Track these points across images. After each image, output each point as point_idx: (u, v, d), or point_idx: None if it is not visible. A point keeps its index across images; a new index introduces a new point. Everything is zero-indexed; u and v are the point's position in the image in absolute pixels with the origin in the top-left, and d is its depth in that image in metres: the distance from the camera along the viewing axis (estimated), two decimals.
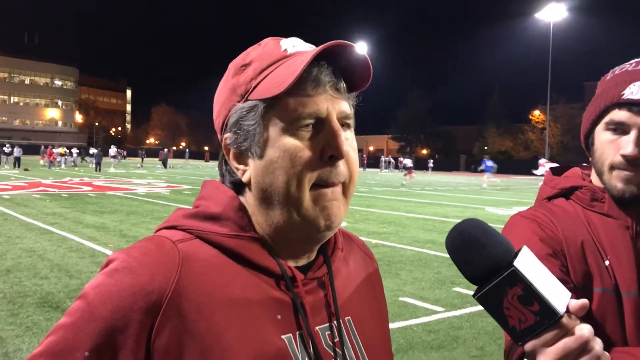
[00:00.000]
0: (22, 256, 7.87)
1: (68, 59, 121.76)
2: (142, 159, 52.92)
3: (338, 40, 0.80)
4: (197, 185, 24.06)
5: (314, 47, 0.84)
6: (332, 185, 0.81)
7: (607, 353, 0.74)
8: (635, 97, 1.18)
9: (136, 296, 0.73)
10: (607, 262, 1.21)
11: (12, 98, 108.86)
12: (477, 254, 0.74)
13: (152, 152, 79.85)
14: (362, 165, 56.89)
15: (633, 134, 1.19)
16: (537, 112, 70.93)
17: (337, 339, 0.86)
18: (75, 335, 0.73)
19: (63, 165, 42.19)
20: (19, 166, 37.14)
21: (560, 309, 0.71)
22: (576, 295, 1.08)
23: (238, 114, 0.84)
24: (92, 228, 10.69)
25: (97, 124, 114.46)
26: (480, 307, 0.76)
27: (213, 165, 57.37)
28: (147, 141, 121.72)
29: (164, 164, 47.06)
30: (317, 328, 0.84)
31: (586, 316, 0.80)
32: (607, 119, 1.24)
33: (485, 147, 77.86)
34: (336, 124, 0.81)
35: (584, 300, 0.73)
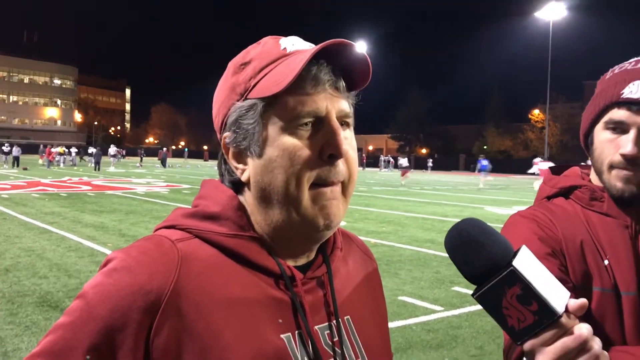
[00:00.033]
0: (21, 255, 7.87)
1: (67, 58, 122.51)
2: (141, 158, 52.84)
3: (337, 39, 0.80)
4: (196, 184, 24.06)
5: (313, 45, 0.84)
6: (331, 184, 0.81)
7: (605, 352, 0.74)
8: (635, 96, 1.18)
9: (135, 295, 0.73)
10: (606, 262, 1.21)
11: (11, 97, 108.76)
12: (476, 253, 0.74)
13: (151, 152, 79.78)
14: (361, 164, 56.87)
15: (632, 133, 1.19)
16: (536, 112, 70.97)
17: (336, 339, 0.86)
18: (74, 335, 0.73)
19: (62, 165, 42.16)
20: (17, 165, 37.11)
21: (559, 308, 0.71)
22: (575, 294, 1.09)
23: (237, 113, 0.83)
24: (91, 227, 10.69)
25: (96, 123, 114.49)
26: (479, 307, 0.77)
27: (212, 164, 57.36)
28: (147, 140, 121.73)
29: (163, 163, 47.07)
30: (316, 327, 0.84)
31: (585, 315, 0.80)
32: (606, 118, 1.24)
33: (485, 147, 77.91)
34: (335, 123, 0.81)
35: (583, 300, 0.73)
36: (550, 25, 43.25)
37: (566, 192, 1.33)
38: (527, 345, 0.72)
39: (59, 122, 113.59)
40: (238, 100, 0.84)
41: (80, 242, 9.05)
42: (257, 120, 0.82)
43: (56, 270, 7.00)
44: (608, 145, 1.23)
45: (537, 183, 20.96)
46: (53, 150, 41.23)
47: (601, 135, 1.25)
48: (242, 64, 0.85)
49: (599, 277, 1.20)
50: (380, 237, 10.48)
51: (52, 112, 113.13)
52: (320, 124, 0.81)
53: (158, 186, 23.14)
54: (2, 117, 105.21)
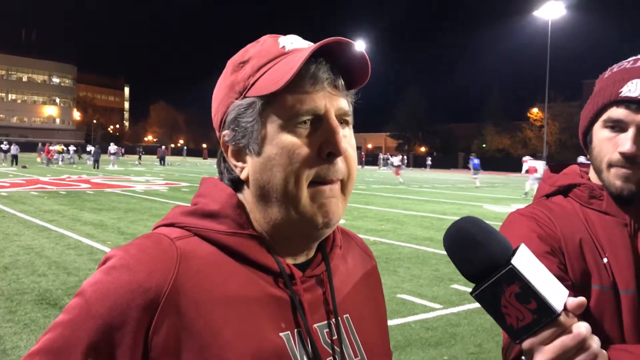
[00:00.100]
0: (20, 253, 7.86)
1: (66, 56, 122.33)
2: (140, 157, 52.79)
3: (336, 37, 0.80)
4: (195, 182, 24.06)
5: (312, 44, 0.84)
6: (330, 182, 0.81)
7: (604, 351, 0.74)
8: (633, 94, 1.18)
9: (134, 293, 0.73)
10: (605, 260, 1.21)
11: (9, 95, 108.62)
12: (475, 252, 0.74)
13: (150, 150, 79.70)
14: (360, 162, 56.88)
15: (631, 131, 1.19)
16: (535, 110, 70.98)
17: (335, 337, 0.86)
18: (73, 333, 0.73)
19: (60, 163, 42.11)
20: (16, 164, 37.06)
21: (558, 307, 0.71)
22: (574, 293, 1.09)
23: (236, 111, 0.83)
24: (90, 225, 10.68)
25: (95, 121, 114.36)
26: (478, 305, 0.76)
27: (211, 162, 57.35)
28: (145, 139, 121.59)
29: (162, 162, 47.04)
30: (315, 326, 0.84)
31: (584, 314, 0.80)
32: (605, 116, 1.24)
33: (484, 145, 77.94)
34: (334, 121, 0.81)
35: (582, 298, 0.73)
36: (549, 24, 43.20)
37: (565, 191, 1.33)
38: (526, 343, 0.72)
39: (57, 121, 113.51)
40: (237, 99, 0.84)
41: (79, 240, 9.05)
42: (255, 119, 0.82)
43: (55, 268, 7.00)
44: (607, 144, 1.23)
45: (528, 184, 20.92)
46: (52, 148, 41.17)
47: (600, 134, 1.25)
48: (241, 62, 0.85)
49: (597, 275, 1.20)
50: (379, 235, 10.49)
51: (50, 111, 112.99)
52: (319, 122, 0.81)
53: (157, 184, 23.13)
54: (1, 116, 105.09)
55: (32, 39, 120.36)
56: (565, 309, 0.72)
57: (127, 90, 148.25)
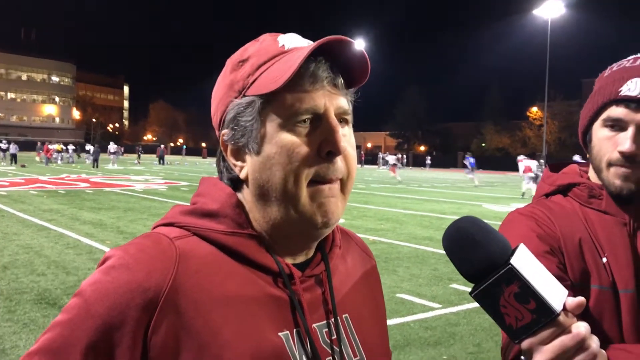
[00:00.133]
0: (19, 253, 7.86)
1: (65, 55, 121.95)
2: (139, 156, 52.76)
3: (336, 36, 0.79)
4: (194, 181, 24.06)
5: (311, 43, 0.84)
6: (329, 181, 0.81)
7: (603, 351, 0.74)
8: (633, 93, 1.18)
9: (133, 293, 0.73)
10: (604, 259, 1.21)
11: (8, 94, 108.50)
12: (474, 251, 0.74)
13: (150, 149, 79.64)
14: (360, 162, 56.87)
15: (630, 130, 1.19)
16: (534, 109, 70.99)
17: (334, 337, 0.85)
18: (72, 332, 0.73)
19: (59, 162, 42.08)
20: (15, 162, 37.04)
21: (557, 306, 0.71)
22: (573, 292, 1.09)
23: (235, 110, 0.83)
24: (89, 225, 10.68)
25: (94, 120, 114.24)
26: (477, 304, 0.76)
27: (210, 161, 57.34)
28: (145, 138, 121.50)
29: (161, 161, 47.01)
30: (314, 325, 0.84)
31: (583, 313, 0.80)
32: (604, 115, 1.24)
33: (483, 144, 77.92)
34: (334, 120, 0.81)
35: (581, 298, 0.72)
36: (548, 23, 43.18)
37: (564, 190, 1.33)
38: (525, 343, 0.72)
39: (57, 120, 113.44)
40: (236, 98, 0.84)
41: (79, 240, 9.05)
42: (255, 118, 0.81)
43: (54, 268, 7.00)
44: (606, 143, 1.23)
45: (524, 184, 20.86)
46: (51, 147, 41.14)
47: (599, 133, 1.25)
48: (240, 61, 0.85)
49: (597, 274, 1.20)
50: (379, 234, 10.49)
51: (50, 109, 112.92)
52: (319, 121, 0.80)
53: (156, 183, 23.12)
54: (0, 115, 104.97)
55: (31, 37, 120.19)
56: (564, 308, 0.72)
57: (126, 89, 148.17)
